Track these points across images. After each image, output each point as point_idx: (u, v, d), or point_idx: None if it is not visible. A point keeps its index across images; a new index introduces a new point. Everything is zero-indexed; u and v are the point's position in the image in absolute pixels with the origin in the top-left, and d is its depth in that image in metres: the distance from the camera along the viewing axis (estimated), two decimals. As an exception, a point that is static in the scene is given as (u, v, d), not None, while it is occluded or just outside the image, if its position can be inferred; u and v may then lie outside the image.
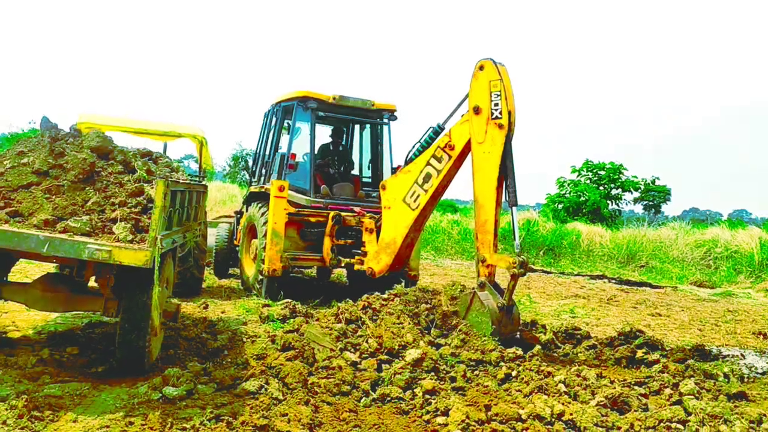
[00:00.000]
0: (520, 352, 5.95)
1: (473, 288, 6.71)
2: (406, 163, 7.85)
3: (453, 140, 7.19)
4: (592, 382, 5.34)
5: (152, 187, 4.91)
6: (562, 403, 4.67)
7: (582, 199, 28.33)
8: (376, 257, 8.27)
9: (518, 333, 6.71)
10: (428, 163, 7.43)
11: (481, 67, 6.83)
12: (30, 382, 4.60)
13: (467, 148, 7.06)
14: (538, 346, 6.25)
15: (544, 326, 7.58)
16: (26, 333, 6.02)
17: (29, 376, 4.73)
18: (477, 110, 6.81)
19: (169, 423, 3.91)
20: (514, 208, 6.76)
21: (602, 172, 29.58)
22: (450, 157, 7.25)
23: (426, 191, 7.49)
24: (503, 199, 6.80)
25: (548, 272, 17.22)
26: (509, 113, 6.57)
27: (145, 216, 4.71)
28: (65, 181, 4.86)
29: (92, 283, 5.71)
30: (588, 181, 29.73)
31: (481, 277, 6.68)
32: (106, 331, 6.22)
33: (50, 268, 7.50)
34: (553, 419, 4.45)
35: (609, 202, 28.90)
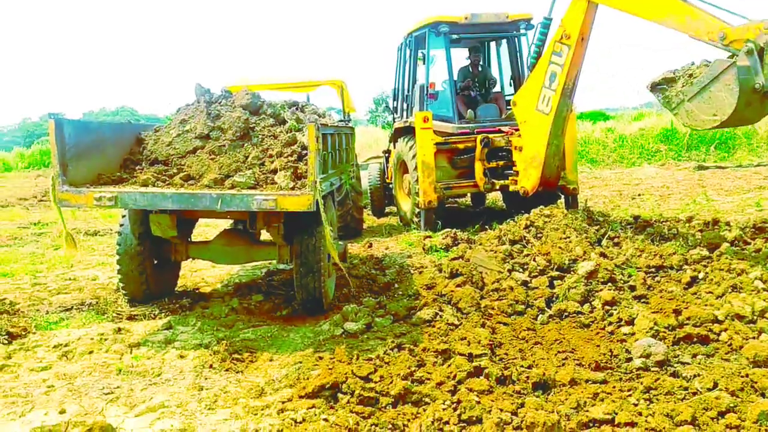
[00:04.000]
0: (705, 252, 5.51)
1: (732, 58, 5.19)
2: (530, 70, 7.58)
3: (567, 29, 6.92)
4: (794, 275, 4.83)
5: (303, 134, 5.03)
6: (763, 300, 4.26)
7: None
8: (526, 174, 8.02)
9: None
10: (551, 62, 7.16)
11: None
12: (226, 330, 5.02)
13: (583, 32, 6.81)
14: (725, 244, 5.73)
15: (728, 223, 6.95)
16: (215, 287, 6.56)
17: (224, 324, 5.16)
18: None
19: (355, 354, 4.07)
20: None
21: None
22: (569, 47, 6.93)
23: (555, 91, 7.18)
24: None
25: (723, 167, 15.76)
26: None
27: (301, 163, 4.85)
28: (225, 140, 5.13)
29: (265, 236, 6.07)
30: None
31: (738, 47, 5.13)
32: (284, 277, 6.62)
33: (225, 226, 8.08)
34: (755, 317, 4.09)
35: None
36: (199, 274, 7.14)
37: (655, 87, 5.90)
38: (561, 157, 7.87)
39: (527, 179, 7.99)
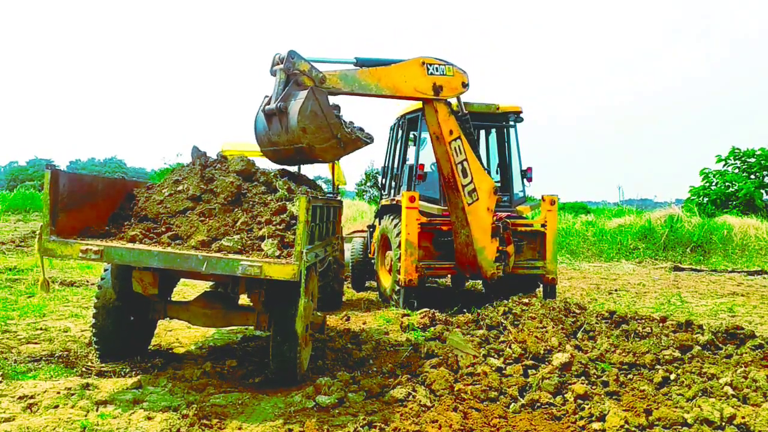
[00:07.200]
0: (677, 353, 5.60)
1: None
2: None
3: None
4: (762, 384, 4.92)
5: (294, 205, 5.14)
6: (732, 406, 4.32)
7: (731, 190, 26.20)
8: None
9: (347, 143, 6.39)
10: None
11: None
12: (197, 393, 4.95)
13: (431, 130, 8.08)
14: (697, 347, 5.84)
15: (701, 326, 7.07)
16: (189, 348, 6.49)
17: (195, 387, 5.08)
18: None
19: (326, 429, 4.04)
20: None
21: (752, 160, 27.19)
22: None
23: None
24: None
25: (698, 270, 16.07)
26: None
27: (289, 232, 4.93)
28: (216, 204, 5.21)
29: (243, 300, 6.07)
30: (737, 171, 27.47)
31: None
32: (259, 344, 6.57)
33: (205, 288, 8.05)
34: (723, 423, 4.13)
35: (763, 191, 26.50)
36: (173, 333, 7.06)
37: None
38: (473, 246, 8.32)
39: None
